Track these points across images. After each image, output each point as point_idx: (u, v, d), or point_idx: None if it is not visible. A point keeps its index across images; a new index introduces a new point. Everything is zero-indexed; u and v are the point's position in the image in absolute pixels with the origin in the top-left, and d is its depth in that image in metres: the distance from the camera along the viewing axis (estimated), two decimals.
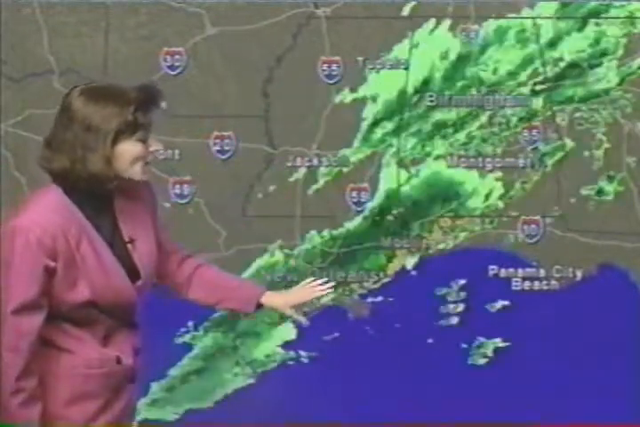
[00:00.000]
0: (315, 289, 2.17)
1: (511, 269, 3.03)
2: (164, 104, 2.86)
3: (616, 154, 3.01)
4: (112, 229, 1.92)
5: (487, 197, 3.03)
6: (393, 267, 3.03)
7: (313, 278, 2.20)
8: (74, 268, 1.83)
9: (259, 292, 2.15)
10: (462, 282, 3.02)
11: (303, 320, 2.23)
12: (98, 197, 1.90)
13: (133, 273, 1.92)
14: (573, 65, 2.99)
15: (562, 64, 2.99)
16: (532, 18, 2.97)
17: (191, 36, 2.95)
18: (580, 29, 2.98)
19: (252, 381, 3.05)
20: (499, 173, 3.03)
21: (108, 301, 1.88)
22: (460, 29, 2.97)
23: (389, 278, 3.04)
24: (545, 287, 3.04)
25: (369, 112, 2.99)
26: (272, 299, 2.13)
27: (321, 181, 3.01)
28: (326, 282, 2.17)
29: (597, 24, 2.98)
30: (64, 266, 1.82)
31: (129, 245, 1.92)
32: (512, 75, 3.00)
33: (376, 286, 3.04)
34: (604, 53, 2.99)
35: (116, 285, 1.88)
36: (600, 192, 3.02)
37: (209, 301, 2.14)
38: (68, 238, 1.82)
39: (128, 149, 1.85)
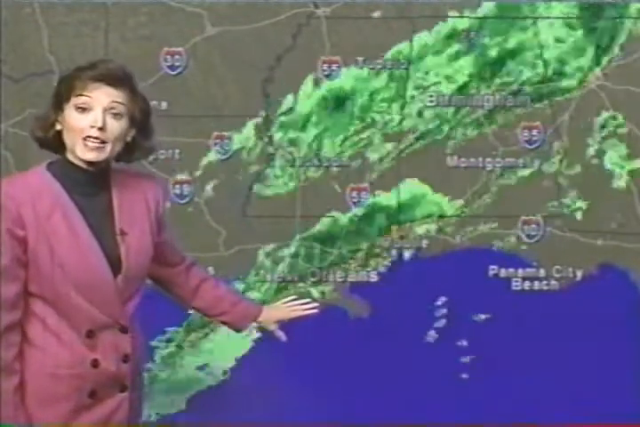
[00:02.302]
0: (298, 308, 2.28)
1: (511, 269, 3.04)
2: (164, 104, 2.94)
3: (617, 154, 3.02)
4: (104, 219, 1.91)
5: (486, 197, 3.03)
6: (392, 267, 3.03)
7: (295, 297, 2.30)
8: (46, 240, 1.83)
9: (257, 311, 2.26)
10: (462, 282, 3.02)
11: (283, 337, 2.29)
12: (92, 186, 1.91)
13: (118, 266, 1.91)
14: (573, 65, 2.99)
15: (561, 64, 2.99)
16: (533, 18, 2.97)
17: (191, 36, 2.95)
18: (577, 29, 2.98)
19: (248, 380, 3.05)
20: (499, 173, 3.03)
21: (82, 279, 1.85)
22: (461, 29, 2.97)
23: (389, 278, 3.04)
24: (545, 287, 3.04)
25: None
26: (263, 315, 2.26)
27: (321, 181, 3.01)
28: (309, 302, 2.30)
29: (593, 24, 2.98)
30: (35, 236, 1.82)
31: (118, 238, 1.92)
32: (512, 75, 3.00)
33: (376, 285, 3.04)
34: (602, 53, 2.98)
35: (89, 262, 1.86)
36: (599, 193, 3.02)
37: (210, 312, 2.23)
38: (38, 208, 1.83)
39: (67, 116, 1.86)
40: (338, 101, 2.98)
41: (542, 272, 3.04)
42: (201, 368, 3.04)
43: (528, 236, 3.03)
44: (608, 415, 2.99)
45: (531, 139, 3.01)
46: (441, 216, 3.02)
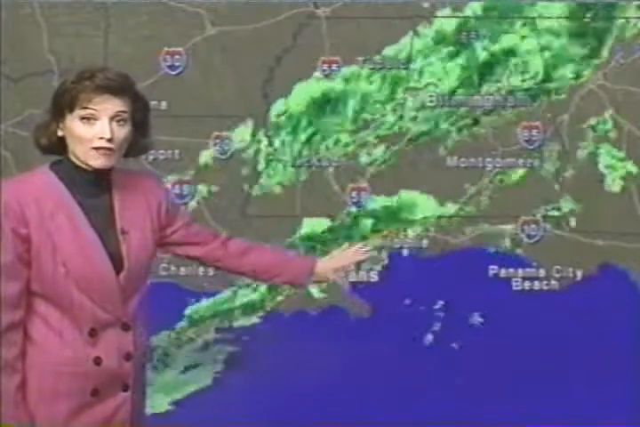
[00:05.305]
0: (354, 253, 2.30)
1: (511, 269, 3.04)
2: (164, 104, 2.94)
3: (616, 154, 3.02)
4: (106, 218, 1.93)
5: (487, 197, 3.03)
6: (391, 267, 3.03)
7: (347, 244, 2.36)
8: (49, 239, 1.84)
9: (311, 263, 2.28)
10: (462, 282, 3.02)
11: (346, 284, 2.30)
12: (95, 186, 1.92)
13: (120, 264, 1.92)
14: (573, 65, 2.99)
15: (561, 64, 2.99)
16: (532, 18, 2.97)
17: (191, 36, 2.95)
18: (578, 29, 2.98)
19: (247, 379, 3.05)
20: (499, 173, 3.03)
21: (85, 277, 1.87)
22: (460, 30, 2.97)
23: (389, 278, 3.04)
24: (545, 287, 3.04)
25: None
26: (319, 266, 2.27)
27: (320, 181, 3.01)
28: (363, 247, 2.32)
29: (591, 24, 2.98)
30: (38, 235, 1.84)
31: (120, 237, 1.93)
32: (511, 75, 3.00)
33: (376, 285, 3.04)
34: (599, 53, 2.99)
35: (92, 260, 1.87)
36: (599, 192, 3.02)
37: (262, 277, 2.25)
38: (42, 207, 1.84)
39: (70, 125, 1.87)
40: (331, 102, 2.98)
41: (542, 272, 3.04)
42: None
43: (528, 236, 3.03)
44: (608, 416, 3.00)
45: (531, 139, 3.01)
46: (439, 217, 3.02)
